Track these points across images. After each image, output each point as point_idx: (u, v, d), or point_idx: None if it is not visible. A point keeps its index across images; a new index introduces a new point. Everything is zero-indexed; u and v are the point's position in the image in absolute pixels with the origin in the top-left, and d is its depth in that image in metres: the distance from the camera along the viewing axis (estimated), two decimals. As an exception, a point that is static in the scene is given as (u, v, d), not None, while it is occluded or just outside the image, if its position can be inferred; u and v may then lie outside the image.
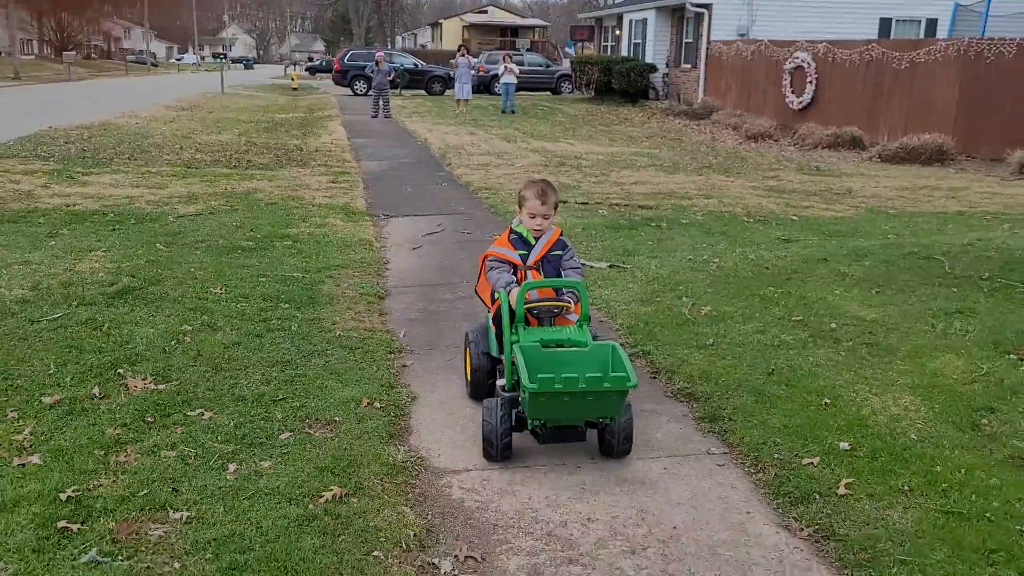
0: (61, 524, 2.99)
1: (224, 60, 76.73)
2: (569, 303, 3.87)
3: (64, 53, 57.89)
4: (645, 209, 9.67)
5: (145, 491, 3.23)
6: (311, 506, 3.17)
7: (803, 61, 22.12)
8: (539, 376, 3.32)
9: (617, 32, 35.93)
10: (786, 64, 22.81)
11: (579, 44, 44.07)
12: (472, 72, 27.58)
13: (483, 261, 4.15)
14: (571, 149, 16.52)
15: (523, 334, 3.69)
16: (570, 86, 37.39)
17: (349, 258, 7.06)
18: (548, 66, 39.89)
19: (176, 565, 2.80)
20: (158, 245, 7.14)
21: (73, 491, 3.20)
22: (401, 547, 2.99)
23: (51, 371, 4.35)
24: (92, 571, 2.75)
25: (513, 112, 25.68)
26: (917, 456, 3.55)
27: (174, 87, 39.74)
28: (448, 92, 33.91)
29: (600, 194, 10.81)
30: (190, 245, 7.20)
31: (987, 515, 3.10)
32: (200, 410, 3.98)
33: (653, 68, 30.96)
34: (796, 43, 22.58)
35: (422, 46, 74.81)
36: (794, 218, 9.16)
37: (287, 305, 5.63)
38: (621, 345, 3.67)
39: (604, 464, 3.67)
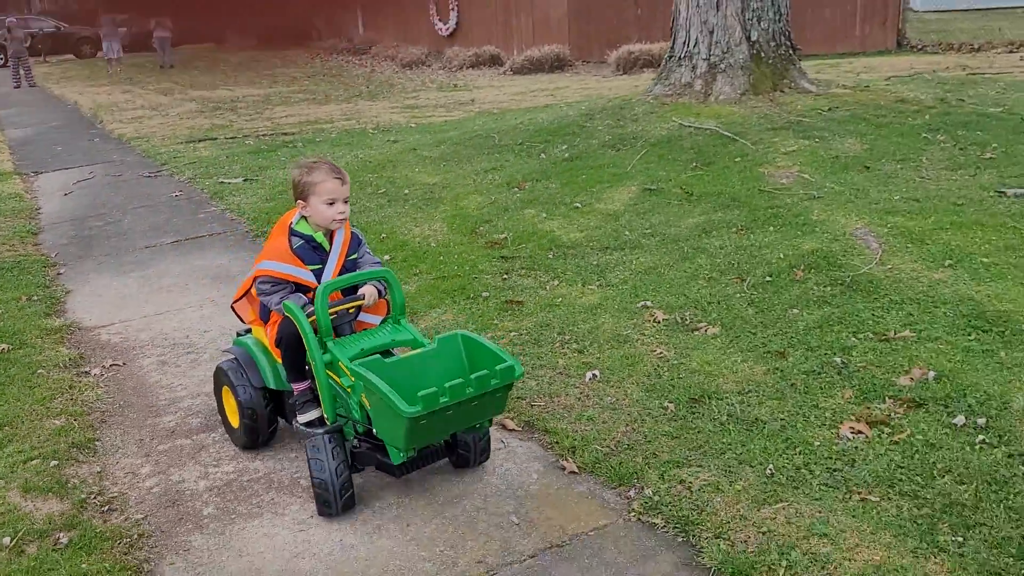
0: None
1: None
2: (363, 300, 3.08)
3: None
4: (288, 135, 10.94)
5: None
6: (-16, 358, 4.27)
7: (445, -10, 24.08)
8: (420, 394, 2.52)
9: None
10: (435, -6, 24.66)
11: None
12: (121, 29, 26.67)
13: (252, 280, 3.26)
14: (230, 94, 17.18)
15: (336, 350, 2.91)
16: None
17: (0, 209, 7.69)
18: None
19: None
20: None
21: None
22: (59, 367, 4.20)
23: None
24: None
25: (172, 67, 25.36)
26: (432, 254, 5.33)
27: None
28: (100, 53, 32.22)
29: (250, 128, 11.89)
30: None
31: (459, 275, 4.92)
32: None
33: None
34: (437, -25, 24.45)
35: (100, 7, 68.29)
36: (412, 125, 10.92)
37: (-58, 249, 6.32)
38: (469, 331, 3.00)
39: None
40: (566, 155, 7.03)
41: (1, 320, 4.82)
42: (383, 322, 3.17)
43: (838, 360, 3.44)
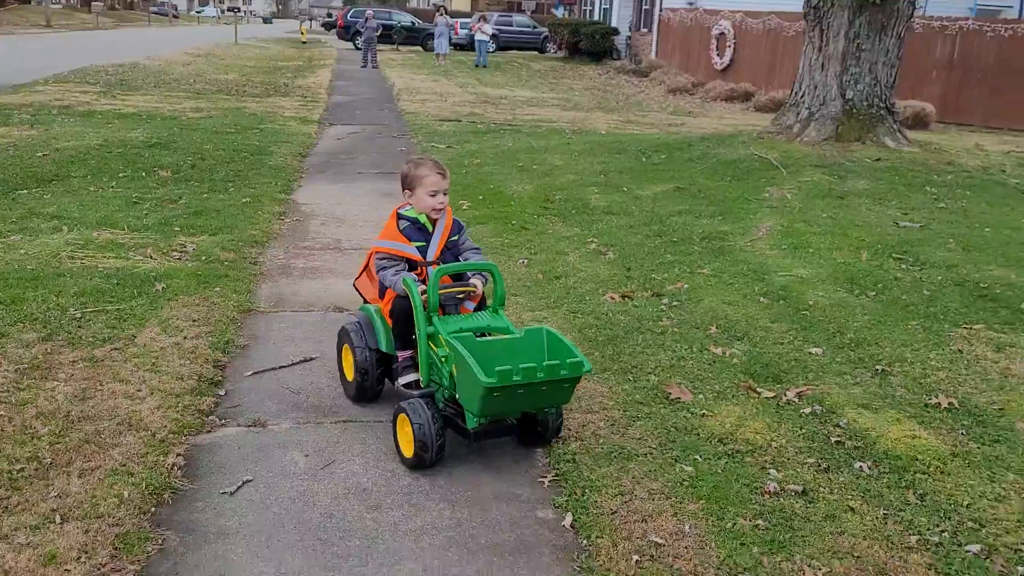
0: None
1: (243, 14, 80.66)
2: (476, 288, 3.57)
3: (92, 3, 62.31)
4: (510, 126, 14.03)
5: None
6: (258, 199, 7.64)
7: (724, 28, 26.18)
8: (497, 369, 2.99)
9: (591, -2, 39.83)
10: (713, 30, 26.90)
11: (566, 9, 47.92)
12: (448, 29, 31.85)
13: (370, 257, 3.78)
14: (503, 94, 20.76)
15: (439, 324, 3.39)
16: (554, 47, 41.36)
17: (292, 139, 11.50)
18: (534, 27, 43.83)
19: (180, 210, 7.29)
20: (175, 128, 11.62)
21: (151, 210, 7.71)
22: (270, 214, 7.45)
23: (121, 168, 8.83)
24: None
25: (484, 66, 29.82)
26: (506, 200, 7.99)
27: (192, 37, 44.07)
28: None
29: (492, 118, 15.16)
30: (194, 129, 11.68)
31: (510, 212, 7.51)
32: (195, 182, 8.44)
33: (616, 31, 35.03)
34: (721, 12, 26.62)
35: (435, 6, 78.46)
36: (603, 132, 13.52)
37: (247, 153, 10.09)
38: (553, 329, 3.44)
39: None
40: (657, 161, 9.33)
41: (256, 189, 8.26)
42: (477, 308, 3.67)
43: (656, 277, 5.65)
